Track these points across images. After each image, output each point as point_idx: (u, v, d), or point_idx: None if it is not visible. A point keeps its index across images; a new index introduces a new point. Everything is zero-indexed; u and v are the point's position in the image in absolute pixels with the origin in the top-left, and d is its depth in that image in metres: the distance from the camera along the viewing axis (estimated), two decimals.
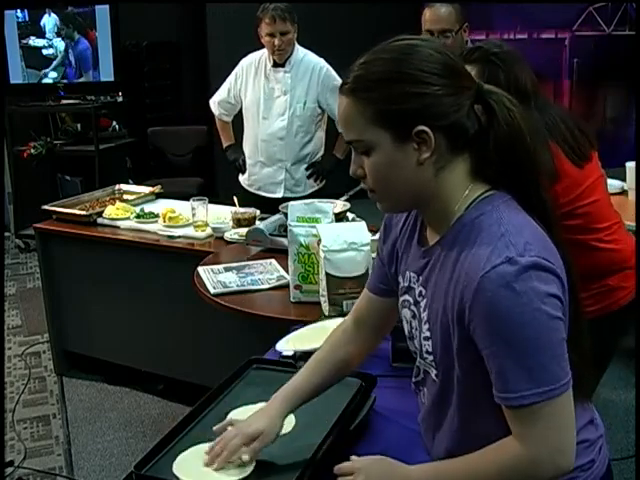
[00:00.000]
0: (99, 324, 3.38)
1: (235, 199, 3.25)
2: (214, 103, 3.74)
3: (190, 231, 3.07)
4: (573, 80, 6.42)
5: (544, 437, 1.06)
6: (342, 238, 2.02)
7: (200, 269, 2.53)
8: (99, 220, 3.28)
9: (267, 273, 2.47)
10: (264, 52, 3.50)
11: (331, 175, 3.68)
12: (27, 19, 5.47)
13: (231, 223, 3.06)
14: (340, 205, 2.69)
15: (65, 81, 5.56)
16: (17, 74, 5.48)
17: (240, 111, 3.68)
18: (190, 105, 6.31)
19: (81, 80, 5.57)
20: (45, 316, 3.55)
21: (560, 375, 1.05)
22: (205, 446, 1.32)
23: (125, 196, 3.63)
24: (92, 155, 5.39)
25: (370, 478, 1.15)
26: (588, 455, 1.20)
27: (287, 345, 1.81)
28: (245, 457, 1.25)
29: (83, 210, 3.35)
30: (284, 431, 1.38)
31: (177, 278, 2.91)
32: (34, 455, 2.94)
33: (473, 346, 1.08)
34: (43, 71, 5.55)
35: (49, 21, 5.49)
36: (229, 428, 1.31)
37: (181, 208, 3.27)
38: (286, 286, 2.30)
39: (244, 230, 2.84)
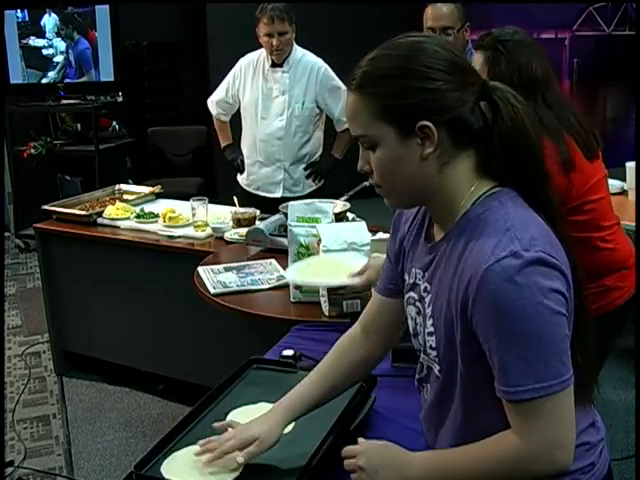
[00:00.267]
0: (99, 324, 3.38)
1: (235, 199, 3.25)
2: (212, 103, 3.73)
3: (190, 231, 3.07)
4: (573, 80, 6.43)
5: (543, 432, 1.06)
6: (342, 238, 2.02)
7: (200, 269, 2.53)
8: (99, 220, 3.28)
9: (267, 273, 2.47)
10: (262, 52, 3.50)
11: (330, 175, 3.68)
12: (27, 19, 5.47)
13: (231, 223, 3.05)
14: (340, 205, 2.69)
15: (66, 81, 5.55)
16: (17, 74, 5.48)
17: (238, 111, 3.68)
18: (190, 105, 6.31)
19: (81, 80, 5.56)
20: (45, 316, 3.55)
21: (562, 371, 1.05)
22: (196, 448, 1.32)
23: (125, 196, 3.63)
24: (92, 155, 5.39)
25: (371, 461, 1.16)
26: (588, 458, 1.20)
27: (298, 275, 1.95)
28: (240, 459, 1.25)
29: (83, 210, 3.35)
30: (284, 431, 1.38)
31: (177, 278, 2.91)
32: (34, 455, 2.94)
33: (476, 341, 1.08)
34: (45, 73, 5.54)
35: (49, 21, 5.48)
36: (229, 429, 1.31)
37: (181, 208, 3.27)
38: (286, 286, 2.29)
39: (244, 230, 2.84)
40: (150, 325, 3.21)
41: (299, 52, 3.50)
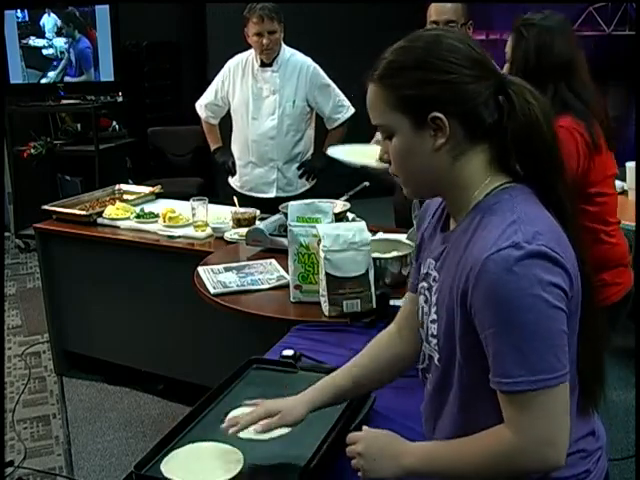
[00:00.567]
0: (99, 324, 3.38)
1: (235, 199, 3.26)
2: (200, 106, 3.73)
3: (190, 231, 3.07)
4: None
5: (534, 427, 1.06)
6: (342, 238, 2.02)
7: (200, 269, 2.53)
8: (99, 220, 3.28)
9: (267, 273, 2.47)
10: (251, 53, 3.51)
11: (328, 175, 3.68)
12: (27, 19, 5.46)
13: (231, 223, 3.05)
14: (340, 205, 2.69)
15: (67, 78, 5.54)
16: (17, 74, 5.48)
17: (226, 113, 3.68)
18: (190, 105, 6.23)
19: (81, 79, 5.56)
20: (45, 316, 3.55)
21: (556, 366, 1.05)
22: (196, 446, 1.34)
23: (125, 196, 3.63)
24: (92, 155, 5.39)
25: (370, 448, 1.19)
26: (584, 465, 1.20)
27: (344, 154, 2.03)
28: (257, 427, 1.31)
29: (83, 210, 3.35)
30: (284, 431, 1.38)
31: (177, 278, 2.91)
32: (34, 455, 2.94)
33: (474, 331, 1.09)
34: (45, 73, 5.54)
35: (48, 21, 5.48)
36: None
37: (181, 208, 3.27)
38: (286, 286, 2.29)
39: (244, 230, 2.84)
40: (150, 325, 3.21)
41: (287, 52, 3.50)
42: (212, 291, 2.34)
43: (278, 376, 1.62)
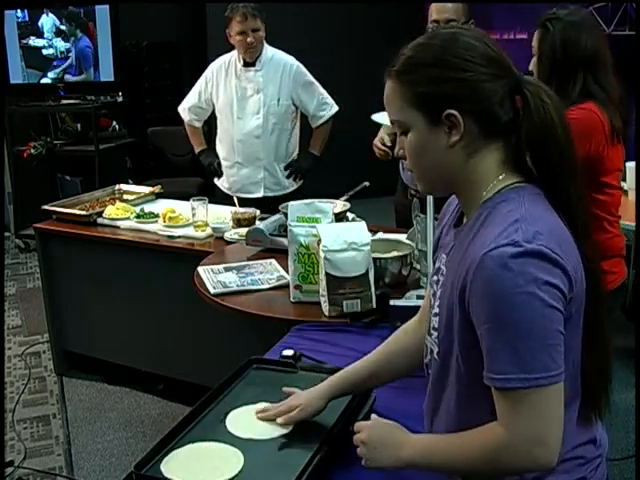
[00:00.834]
0: (99, 324, 3.38)
1: (235, 199, 3.25)
2: (183, 110, 3.74)
3: (190, 231, 3.07)
4: None
5: (526, 425, 1.06)
6: (342, 238, 2.02)
7: (200, 269, 2.53)
8: (99, 220, 3.28)
9: (267, 273, 2.47)
10: (233, 54, 3.52)
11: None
12: (27, 19, 5.46)
13: (231, 223, 3.05)
14: (340, 205, 2.69)
15: (67, 76, 5.54)
16: (17, 74, 5.48)
17: (209, 116, 3.68)
18: None
19: (81, 78, 5.56)
20: (45, 316, 3.55)
21: (550, 366, 1.04)
22: (196, 446, 1.34)
23: (125, 196, 3.63)
24: (92, 155, 5.39)
25: (372, 437, 1.22)
26: (581, 472, 1.20)
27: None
28: (279, 420, 1.40)
29: (83, 210, 3.35)
30: (284, 431, 1.39)
31: (177, 278, 2.91)
32: (34, 455, 2.94)
33: (472, 327, 1.09)
34: (45, 73, 5.54)
35: (47, 21, 5.48)
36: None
37: (181, 208, 3.27)
38: (286, 286, 2.29)
39: (244, 230, 2.84)
40: (150, 325, 3.21)
41: (270, 51, 3.51)
42: (212, 291, 2.34)
43: (278, 376, 1.62)
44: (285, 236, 2.34)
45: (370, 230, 2.17)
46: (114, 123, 5.85)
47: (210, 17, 6.21)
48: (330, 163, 5.42)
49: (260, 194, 3.57)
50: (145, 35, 6.06)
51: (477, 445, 1.11)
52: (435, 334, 1.21)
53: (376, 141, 2.98)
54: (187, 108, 3.71)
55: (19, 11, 5.42)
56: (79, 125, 5.68)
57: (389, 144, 2.89)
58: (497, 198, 1.14)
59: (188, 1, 6.29)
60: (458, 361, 1.16)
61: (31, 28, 5.47)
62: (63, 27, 5.48)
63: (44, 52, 5.52)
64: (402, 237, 2.48)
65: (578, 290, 1.09)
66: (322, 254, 2.02)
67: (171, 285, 3.05)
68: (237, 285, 2.38)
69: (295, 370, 1.65)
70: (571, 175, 1.16)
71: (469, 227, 1.16)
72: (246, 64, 3.48)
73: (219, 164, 3.66)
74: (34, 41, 5.49)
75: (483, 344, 1.07)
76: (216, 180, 3.72)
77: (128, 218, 3.26)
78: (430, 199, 1.99)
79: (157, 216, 3.22)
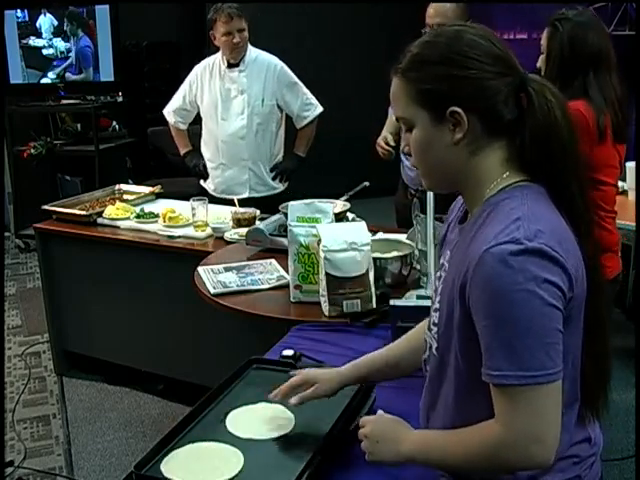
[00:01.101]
0: (99, 324, 3.38)
1: (235, 199, 3.25)
2: (169, 112, 3.75)
3: (190, 231, 3.07)
4: None
5: (522, 422, 1.06)
6: (342, 238, 2.02)
7: (200, 269, 2.53)
8: (99, 220, 3.28)
9: (267, 273, 2.47)
10: (217, 56, 3.54)
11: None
12: (27, 19, 5.46)
13: (231, 223, 3.05)
14: (340, 205, 2.69)
15: (68, 74, 5.53)
16: (17, 74, 5.48)
17: (194, 118, 3.69)
18: None
19: (81, 77, 5.56)
20: (45, 316, 3.55)
21: (547, 364, 1.04)
22: (196, 446, 1.33)
23: (125, 196, 3.63)
24: (92, 155, 5.39)
25: (375, 432, 1.24)
26: (575, 471, 1.20)
27: None
28: (293, 401, 1.39)
29: (83, 210, 3.35)
30: (283, 431, 1.38)
31: (177, 278, 2.91)
32: (34, 455, 2.94)
33: (471, 324, 1.10)
34: (45, 73, 5.54)
35: (45, 21, 5.48)
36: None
37: (181, 208, 3.27)
38: (286, 286, 2.29)
39: (244, 230, 2.84)
40: (150, 325, 3.21)
41: (254, 52, 3.52)
42: (212, 291, 2.34)
43: (278, 376, 1.62)
44: (285, 236, 2.34)
45: (370, 230, 2.17)
46: (114, 123, 5.84)
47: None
48: (330, 163, 5.44)
49: (246, 194, 3.56)
50: (145, 35, 6.06)
51: (476, 442, 1.11)
52: (435, 329, 1.22)
53: (379, 140, 2.98)
54: (172, 111, 3.74)
55: (19, 11, 5.42)
56: (79, 125, 5.69)
57: (393, 144, 2.89)
58: (500, 196, 1.14)
59: (188, 1, 6.29)
60: (457, 357, 1.16)
61: (31, 28, 5.47)
62: (64, 27, 5.47)
63: (44, 52, 5.52)
64: (402, 237, 2.47)
65: (578, 289, 1.09)
66: (322, 254, 2.01)
67: (171, 285, 3.05)
68: (237, 285, 2.38)
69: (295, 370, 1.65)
70: (574, 173, 1.16)
71: (472, 224, 1.16)
72: (230, 65, 3.49)
73: (204, 166, 3.67)
74: (34, 41, 5.49)
75: (482, 340, 1.08)
76: (202, 182, 3.73)
77: (128, 218, 3.26)
78: (430, 199, 1.99)
79: (157, 216, 3.22)
